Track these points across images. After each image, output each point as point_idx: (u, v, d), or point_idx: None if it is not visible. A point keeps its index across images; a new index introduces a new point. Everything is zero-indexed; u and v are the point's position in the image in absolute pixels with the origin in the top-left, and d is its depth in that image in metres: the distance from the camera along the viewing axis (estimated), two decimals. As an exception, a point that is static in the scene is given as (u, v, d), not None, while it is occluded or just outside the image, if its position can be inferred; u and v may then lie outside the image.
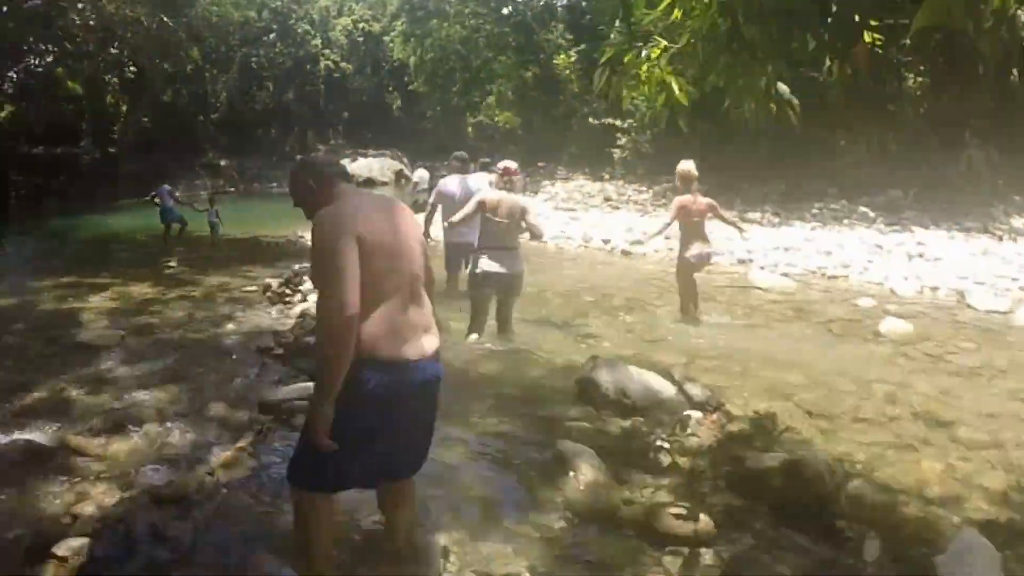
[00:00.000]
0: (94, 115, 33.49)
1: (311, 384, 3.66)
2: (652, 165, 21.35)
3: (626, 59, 4.19)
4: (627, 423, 4.80)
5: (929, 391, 5.71)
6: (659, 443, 4.42)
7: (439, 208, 8.18)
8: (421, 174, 17.61)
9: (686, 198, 7.49)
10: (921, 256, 11.30)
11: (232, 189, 33.98)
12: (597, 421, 4.81)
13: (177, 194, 16.80)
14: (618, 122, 21.98)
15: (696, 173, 7.53)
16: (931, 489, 4.08)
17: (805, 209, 15.80)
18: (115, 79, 30.80)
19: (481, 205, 6.36)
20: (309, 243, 2.72)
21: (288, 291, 9.11)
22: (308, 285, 8.82)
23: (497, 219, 6.25)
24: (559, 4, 32.78)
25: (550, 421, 4.79)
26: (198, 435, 4.63)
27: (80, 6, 24.98)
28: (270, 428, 4.64)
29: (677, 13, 3.86)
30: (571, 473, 3.90)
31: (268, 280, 9.79)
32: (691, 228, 7.56)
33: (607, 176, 24.12)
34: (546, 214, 16.47)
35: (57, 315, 8.45)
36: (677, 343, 6.93)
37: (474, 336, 6.52)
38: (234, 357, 6.55)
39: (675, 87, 4.19)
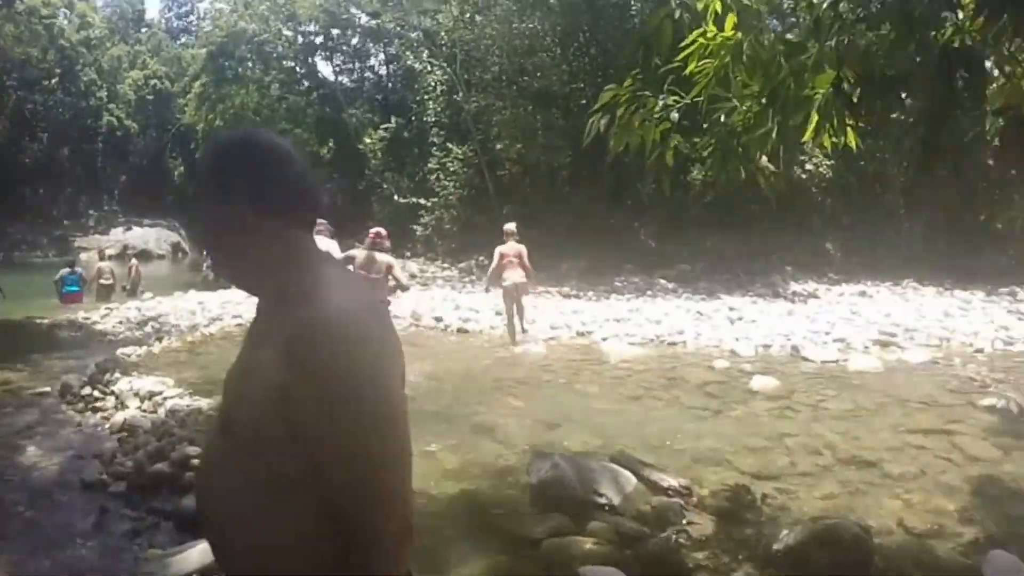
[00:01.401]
0: None
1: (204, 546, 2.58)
2: (456, 243, 21.23)
3: (620, 111, 3.76)
4: (616, 526, 4.23)
5: (833, 438, 5.92)
6: (671, 542, 4.00)
7: None
8: None
9: (504, 247, 10.29)
10: (741, 319, 11.84)
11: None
12: (583, 532, 4.15)
13: None
14: (422, 200, 21.67)
15: (514, 230, 10.46)
16: (917, 525, 4.23)
17: (608, 283, 16.42)
18: None
19: (350, 261, 7.26)
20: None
21: (97, 393, 7.03)
22: (124, 383, 7.04)
23: (372, 276, 7.10)
24: (367, 82, 32.40)
25: (531, 546, 4.02)
26: None
27: None
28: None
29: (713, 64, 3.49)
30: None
31: (66, 378, 7.48)
32: (509, 265, 10.16)
33: (409, 254, 23.72)
34: None
35: None
36: (583, 423, 6.48)
37: None
38: (53, 499, 4.69)
39: (670, 145, 3.86)
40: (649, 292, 15.31)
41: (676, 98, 3.73)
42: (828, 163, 18.13)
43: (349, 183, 29.79)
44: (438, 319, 12.15)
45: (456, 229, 21.17)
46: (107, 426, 6.15)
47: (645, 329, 11.16)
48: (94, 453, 5.41)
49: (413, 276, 18.82)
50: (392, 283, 7.86)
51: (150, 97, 45.73)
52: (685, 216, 18.57)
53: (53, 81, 40.33)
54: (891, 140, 17.67)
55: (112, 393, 6.94)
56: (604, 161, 18.62)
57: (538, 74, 17.52)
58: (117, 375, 7.48)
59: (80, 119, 41.81)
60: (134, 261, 17.49)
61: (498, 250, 10.39)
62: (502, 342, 10.39)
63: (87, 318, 12.52)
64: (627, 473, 4.78)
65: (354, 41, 32.04)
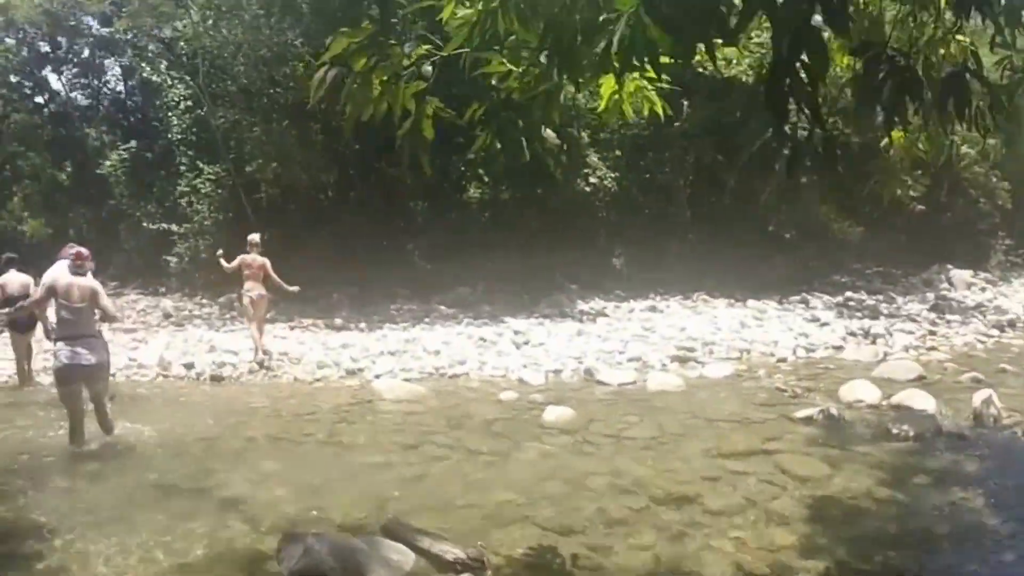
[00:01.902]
0: None
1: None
2: (215, 274, 19.00)
3: (359, 62, 2.74)
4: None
5: (642, 472, 5.38)
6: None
7: None
8: None
9: (247, 257, 10.81)
10: (527, 343, 11.20)
11: None
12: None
13: None
14: (174, 226, 19.28)
15: (257, 240, 10.97)
16: (757, 568, 3.74)
17: (382, 311, 15.25)
18: None
19: (52, 291, 6.30)
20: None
21: None
22: None
23: (73, 304, 6.20)
24: (104, 98, 29.06)
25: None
26: None
27: None
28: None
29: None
30: None
31: None
32: (252, 276, 10.69)
33: (164, 290, 21.20)
34: (106, 337, 12.83)
35: None
36: (349, 486, 5.48)
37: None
38: None
39: (428, 112, 2.95)
40: (427, 319, 14.20)
41: (429, 47, 2.76)
42: (613, 175, 17.92)
43: (92, 211, 26.45)
44: (188, 366, 10.37)
45: (214, 259, 18.92)
46: None
47: (423, 362, 10.19)
48: None
49: (168, 316, 16.63)
50: (98, 315, 6.74)
51: None
52: (463, 235, 17.78)
53: None
54: (675, 151, 18.06)
55: None
56: (371, 179, 17.56)
57: (291, 85, 15.99)
58: None
59: None
60: None
61: (241, 258, 10.82)
62: (261, 389, 9.10)
63: None
64: (402, 547, 3.91)
65: (85, 53, 28.60)
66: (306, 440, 6.78)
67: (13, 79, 29.85)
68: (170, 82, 20.08)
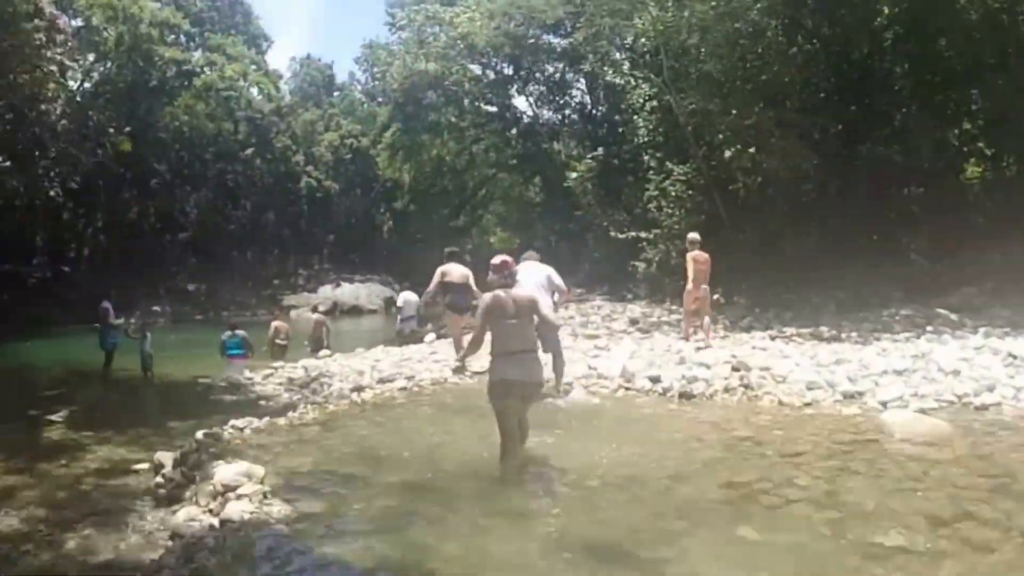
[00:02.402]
0: (48, 230, 31.92)
1: None
2: (682, 280, 19.38)
3: None
4: None
5: None
6: None
7: None
8: (406, 297, 16.06)
9: (695, 253, 12.39)
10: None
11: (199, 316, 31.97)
12: None
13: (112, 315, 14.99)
14: (642, 233, 20.09)
15: (698, 239, 12.58)
16: None
17: (873, 318, 13.87)
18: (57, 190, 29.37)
19: (489, 311, 6.14)
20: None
21: (183, 479, 6.11)
22: (223, 473, 5.61)
23: (509, 320, 6.10)
24: (570, 111, 31.90)
25: None
26: None
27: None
28: None
29: None
30: None
31: (159, 456, 6.69)
32: (699, 274, 12.26)
33: (630, 296, 22.51)
34: (567, 343, 12.55)
35: None
36: None
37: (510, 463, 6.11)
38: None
39: None
40: (929, 328, 12.33)
41: None
42: None
43: (560, 223, 29.08)
44: (654, 379, 9.71)
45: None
46: (165, 526, 5.46)
47: (939, 385, 8.62)
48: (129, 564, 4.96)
49: (634, 322, 17.14)
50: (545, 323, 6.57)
51: (347, 156, 48.20)
52: (963, 224, 15.85)
53: (249, 151, 43.26)
54: None
55: (209, 481, 5.80)
56: (855, 163, 16.40)
57: (763, 64, 15.84)
58: (205, 456, 6.40)
59: (280, 184, 44.51)
60: (318, 317, 17.51)
61: (691, 256, 12.44)
62: (739, 412, 8.27)
63: (249, 378, 12.62)
64: None
65: (548, 69, 31.59)
66: (792, 496, 5.41)
67: (483, 107, 34.26)
68: (633, 83, 20.97)
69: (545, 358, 6.79)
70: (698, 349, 11.26)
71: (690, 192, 18.71)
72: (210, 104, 39.12)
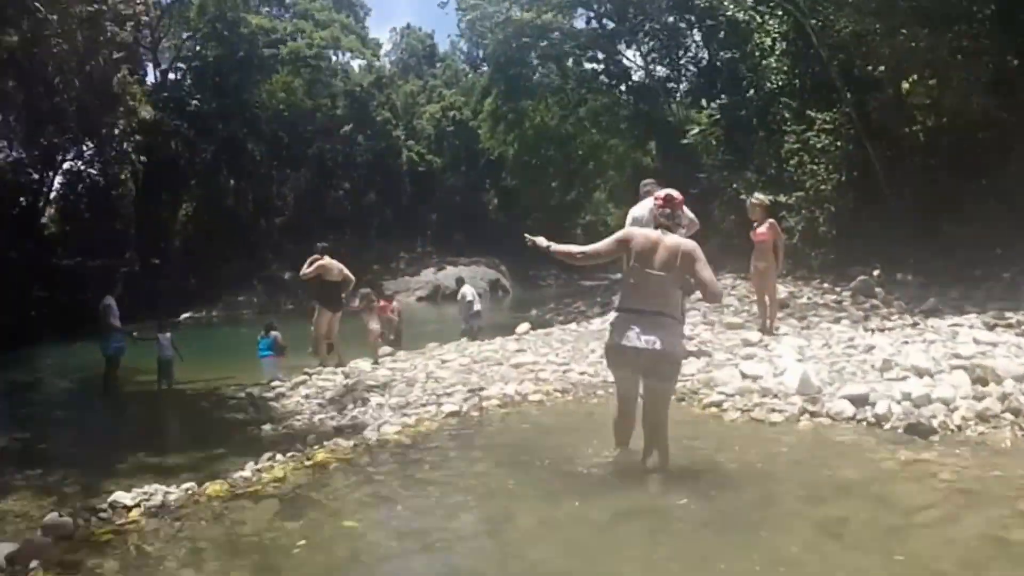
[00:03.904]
0: (141, 222, 31.25)
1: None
2: (834, 252, 16.24)
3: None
4: None
5: None
6: None
7: None
8: (467, 291, 14.75)
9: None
10: None
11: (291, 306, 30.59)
12: None
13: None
14: (781, 197, 17.00)
15: (768, 203, 11.10)
16: None
17: None
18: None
19: (622, 244, 4.99)
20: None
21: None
22: None
23: (649, 270, 4.78)
24: (687, 63, 28.84)
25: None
26: None
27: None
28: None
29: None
30: None
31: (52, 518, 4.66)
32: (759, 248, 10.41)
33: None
34: (704, 336, 10.54)
35: None
36: None
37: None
38: None
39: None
40: None
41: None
42: None
43: (681, 189, 26.33)
44: (858, 400, 6.17)
45: (835, 232, 16.33)
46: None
47: None
48: None
49: (783, 305, 14.00)
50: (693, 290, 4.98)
51: (450, 129, 46.35)
52: None
53: (348, 128, 41.57)
54: None
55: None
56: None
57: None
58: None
59: (380, 161, 42.76)
60: (395, 304, 15.59)
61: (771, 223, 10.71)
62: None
63: (276, 385, 10.94)
64: None
65: (657, 22, 28.56)
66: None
67: (586, 65, 31.51)
68: (759, 20, 18.37)
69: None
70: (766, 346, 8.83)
71: (837, 143, 15.66)
72: (306, 78, 38.04)
